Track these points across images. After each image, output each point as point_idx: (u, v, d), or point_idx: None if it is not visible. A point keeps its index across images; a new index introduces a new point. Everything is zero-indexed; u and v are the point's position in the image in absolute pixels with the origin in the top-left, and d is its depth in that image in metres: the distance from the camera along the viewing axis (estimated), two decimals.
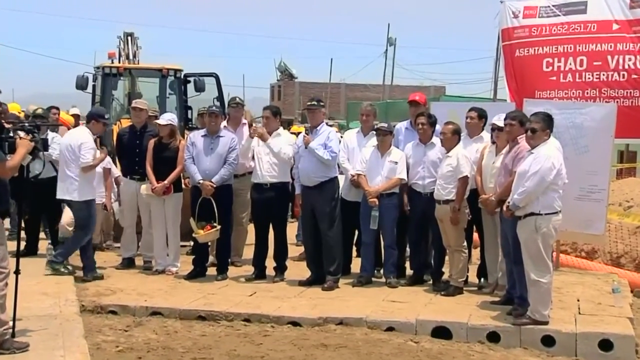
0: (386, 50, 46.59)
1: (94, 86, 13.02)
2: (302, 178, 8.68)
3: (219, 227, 8.70)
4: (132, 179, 9.37)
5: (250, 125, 9.89)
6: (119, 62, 13.45)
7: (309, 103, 8.81)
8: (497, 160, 7.70)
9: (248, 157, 9.03)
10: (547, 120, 6.99)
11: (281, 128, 9.15)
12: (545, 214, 6.78)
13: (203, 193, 8.68)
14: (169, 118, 9.22)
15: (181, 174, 9.20)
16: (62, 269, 8.61)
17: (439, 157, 8.35)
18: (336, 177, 8.69)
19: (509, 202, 6.92)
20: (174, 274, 9.10)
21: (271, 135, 8.78)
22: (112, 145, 10.85)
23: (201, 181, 8.69)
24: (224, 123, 9.62)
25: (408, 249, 9.06)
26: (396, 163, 8.54)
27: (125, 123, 10.84)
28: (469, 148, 8.33)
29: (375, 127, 8.83)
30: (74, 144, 8.65)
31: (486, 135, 8.40)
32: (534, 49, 10.63)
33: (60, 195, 8.71)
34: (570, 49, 10.39)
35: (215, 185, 8.67)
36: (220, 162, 8.80)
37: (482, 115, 8.47)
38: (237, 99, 9.74)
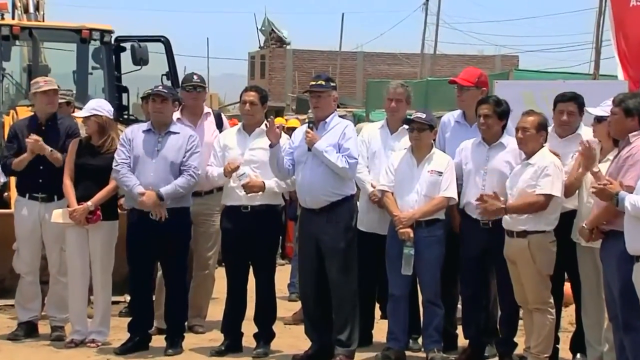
0: (426, 1, 46.84)
1: None
2: (302, 196, 8.71)
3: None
4: (32, 198, 9.32)
5: (218, 117, 9.87)
6: (13, 18, 13.51)
7: (312, 83, 8.82)
8: (600, 166, 7.67)
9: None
10: None
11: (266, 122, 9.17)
12: None
13: (153, 213, 8.70)
14: (94, 107, 9.21)
15: (116, 193, 9.20)
16: None
17: (510, 165, 8.36)
18: (353, 197, 8.74)
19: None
20: (99, 346, 9.10)
21: (251, 134, 8.88)
22: (1, 145, 10.84)
23: (142, 191, 8.68)
24: (177, 114, 9.60)
25: (460, 307, 9.10)
26: (440, 174, 8.57)
27: (24, 113, 10.85)
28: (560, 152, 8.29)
29: (408, 117, 8.79)
30: None
31: (586, 130, 8.37)
32: None
33: None
34: None
35: (164, 198, 8.67)
36: (171, 171, 8.82)
37: (583, 107, 8.43)
38: (195, 77, 9.67)
